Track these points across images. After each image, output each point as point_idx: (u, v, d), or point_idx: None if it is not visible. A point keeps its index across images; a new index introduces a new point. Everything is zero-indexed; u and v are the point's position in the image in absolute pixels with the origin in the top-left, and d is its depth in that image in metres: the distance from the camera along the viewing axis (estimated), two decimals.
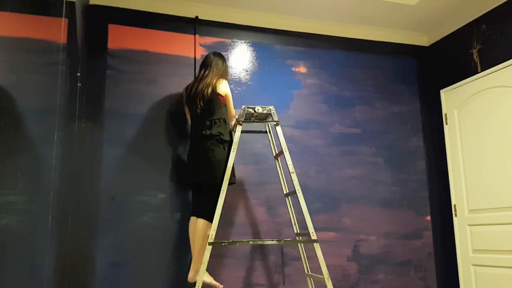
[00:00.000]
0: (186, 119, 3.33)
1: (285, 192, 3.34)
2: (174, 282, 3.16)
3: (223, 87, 3.10)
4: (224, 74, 3.18)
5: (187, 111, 3.25)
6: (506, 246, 3.36)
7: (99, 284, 3.03)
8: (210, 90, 3.03)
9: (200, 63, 3.31)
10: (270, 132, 3.36)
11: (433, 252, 3.89)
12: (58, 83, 1.82)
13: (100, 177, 3.17)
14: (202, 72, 3.17)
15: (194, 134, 3.10)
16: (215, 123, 3.03)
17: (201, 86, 3.07)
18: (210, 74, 3.11)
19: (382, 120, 3.98)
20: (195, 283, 2.88)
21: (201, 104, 3.04)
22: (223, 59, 3.23)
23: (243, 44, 3.72)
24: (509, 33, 3.43)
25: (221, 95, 3.09)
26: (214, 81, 3.07)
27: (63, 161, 2.19)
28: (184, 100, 3.24)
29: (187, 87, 3.22)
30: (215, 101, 3.05)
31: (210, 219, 2.92)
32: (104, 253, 3.07)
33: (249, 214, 3.45)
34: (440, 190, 4.00)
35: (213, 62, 3.16)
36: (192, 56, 3.52)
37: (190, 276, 2.95)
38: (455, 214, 3.82)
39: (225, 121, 3.08)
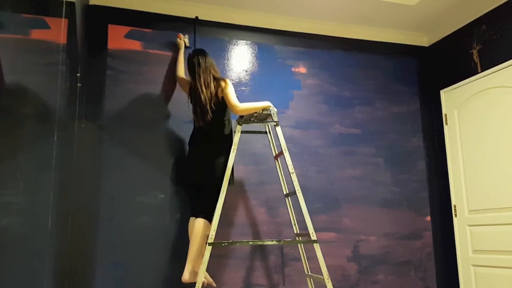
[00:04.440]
0: (186, 119, 3.33)
1: (284, 193, 3.34)
2: (174, 282, 3.16)
3: (224, 90, 2.97)
4: (215, 70, 3.05)
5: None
6: (506, 247, 3.36)
7: (99, 284, 3.03)
8: (211, 110, 2.95)
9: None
10: (270, 132, 3.36)
11: (433, 252, 3.89)
12: (58, 83, 1.82)
13: (100, 177, 3.16)
14: (198, 83, 2.98)
15: (196, 135, 3.10)
16: (219, 125, 3.03)
17: (204, 102, 2.95)
18: (206, 85, 2.97)
19: (382, 121, 3.98)
20: (192, 283, 2.87)
21: (207, 119, 2.96)
22: (206, 54, 3.07)
23: (243, 44, 3.71)
24: (509, 33, 3.43)
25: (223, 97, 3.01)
26: (213, 94, 2.96)
27: (63, 161, 2.19)
28: (188, 101, 3.18)
29: (190, 88, 3.11)
30: (219, 108, 3.01)
31: (210, 219, 2.92)
32: (104, 253, 3.07)
33: (249, 214, 3.45)
34: (440, 190, 4.00)
35: (201, 67, 2.99)
36: None
37: (186, 278, 2.81)
38: (455, 214, 3.82)
39: (228, 121, 3.09)
